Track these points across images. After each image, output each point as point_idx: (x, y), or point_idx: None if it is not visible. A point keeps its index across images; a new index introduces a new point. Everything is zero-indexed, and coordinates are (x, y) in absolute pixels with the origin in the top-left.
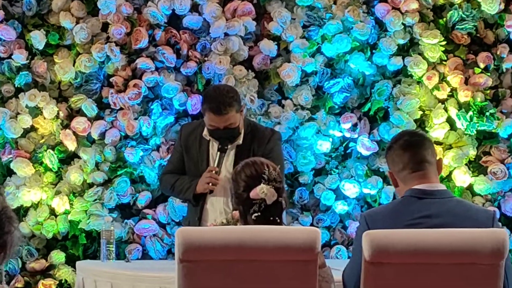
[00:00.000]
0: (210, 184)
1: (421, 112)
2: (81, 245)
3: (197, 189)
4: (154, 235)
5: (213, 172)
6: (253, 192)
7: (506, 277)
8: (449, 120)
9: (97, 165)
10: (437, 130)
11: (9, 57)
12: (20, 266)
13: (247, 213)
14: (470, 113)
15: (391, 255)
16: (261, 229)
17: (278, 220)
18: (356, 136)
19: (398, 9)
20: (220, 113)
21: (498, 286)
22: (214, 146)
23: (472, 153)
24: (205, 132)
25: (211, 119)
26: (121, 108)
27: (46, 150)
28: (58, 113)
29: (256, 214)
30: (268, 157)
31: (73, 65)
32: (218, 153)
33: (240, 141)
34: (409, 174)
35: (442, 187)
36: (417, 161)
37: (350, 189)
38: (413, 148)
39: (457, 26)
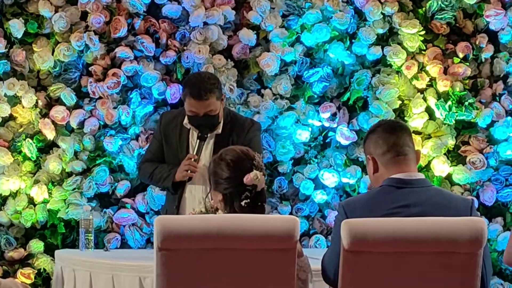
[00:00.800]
0: (189, 171)
1: (400, 102)
2: (60, 234)
3: (176, 177)
4: (133, 224)
5: (192, 159)
6: (247, 178)
7: (484, 266)
8: (428, 110)
9: (76, 154)
10: (416, 120)
11: None
12: None
13: (235, 199)
14: (449, 102)
15: (369, 244)
16: (240, 218)
17: (264, 203)
18: (335, 125)
19: None
20: (201, 98)
21: (477, 275)
22: (194, 135)
23: (451, 142)
24: (186, 120)
25: (191, 105)
26: (100, 97)
27: (24, 139)
28: (37, 102)
29: (246, 201)
30: (247, 147)
31: (52, 54)
32: (198, 141)
33: (219, 130)
34: (392, 157)
35: (421, 176)
36: (402, 144)
37: (329, 179)
38: (398, 131)
39: (436, 16)
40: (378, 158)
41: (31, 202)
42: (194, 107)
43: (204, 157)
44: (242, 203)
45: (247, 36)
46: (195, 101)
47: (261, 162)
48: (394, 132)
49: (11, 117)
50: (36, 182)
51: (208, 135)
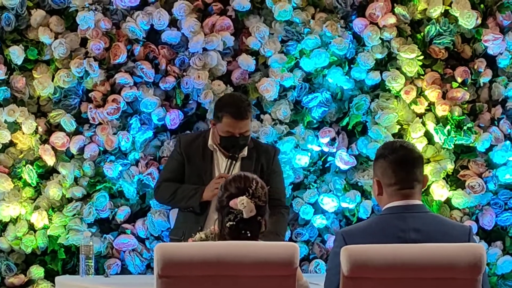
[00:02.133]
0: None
1: (399, 126)
2: (60, 260)
3: (204, 196)
4: (133, 249)
5: (224, 179)
6: (233, 202)
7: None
8: (427, 134)
9: (76, 180)
10: (415, 144)
11: None
12: None
13: (223, 221)
14: (448, 127)
15: (369, 270)
16: (239, 245)
17: (249, 235)
18: (334, 150)
19: (376, 24)
20: (242, 118)
21: None
22: (218, 157)
23: (450, 167)
24: (210, 142)
25: (228, 125)
26: (100, 123)
27: (25, 165)
28: (37, 128)
29: (230, 223)
30: (273, 176)
31: (52, 80)
32: (229, 160)
33: (245, 152)
34: (398, 190)
35: (419, 202)
36: (410, 180)
37: (329, 203)
38: (408, 166)
39: (434, 41)
40: (384, 186)
41: (31, 228)
42: (232, 127)
43: None
44: (227, 224)
45: (246, 62)
46: (235, 121)
47: (260, 193)
48: (405, 166)
49: (11, 143)
50: (36, 208)
51: (238, 155)
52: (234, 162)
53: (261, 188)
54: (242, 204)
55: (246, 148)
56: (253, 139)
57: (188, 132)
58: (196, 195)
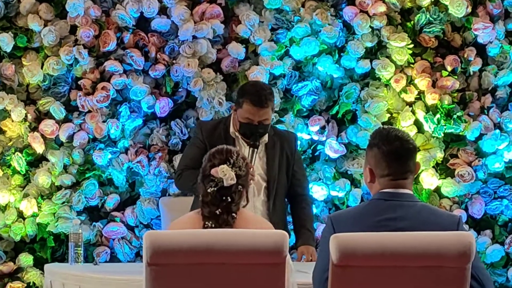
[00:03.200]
0: None
1: (388, 115)
2: (49, 248)
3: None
4: (122, 237)
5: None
6: (213, 170)
7: (479, 278)
8: (417, 123)
9: (65, 167)
10: (409, 134)
11: None
12: None
13: (205, 188)
14: (438, 115)
15: (358, 258)
16: (228, 232)
17: (229, 200)
18: (324, 138)
19: (366, 12)
20: (262, 105)
21: None
22: (240, 144)
23: (440, 155)
24: (232, 129)
25: (249, 112)
26: (89, 111)
27: (14, 153)
28: (26, 116)
29: (211, 189)
30: (298, 165)
31: (41, 68)
32: (250, 149)
33: (266, 138)
34: (390, 180)
35: (409, 191)
36: (403, 171)
37: (318, 192)
38: (402, 158)
39: (424, 29)
40: (376, 175)
41: (21, 215)
42: (252, 115)
43: (257, 168)
44: (208, 190)
45: (236, 50)
46: (255, 108)
47: (241, 163)
48: (399, 158)
49: (0, 131)
50: (26, 195)
51: (259, 143)
52: (256, 150)
53: (242, 159)
54: (222, 172)
55: (267, 134)
56: (272, 126)
57: (179, 120)
58: None
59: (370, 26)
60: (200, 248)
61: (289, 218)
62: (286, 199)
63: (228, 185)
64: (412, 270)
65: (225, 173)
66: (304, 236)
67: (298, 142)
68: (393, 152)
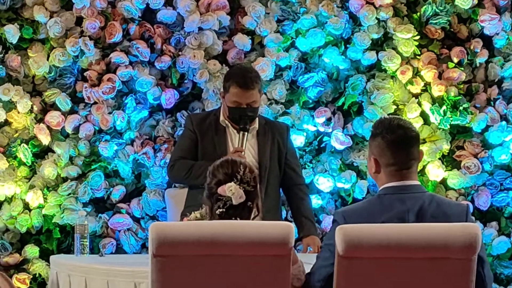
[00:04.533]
0: None
1: (394, 107)
2: (55, 239)
3: None
4: (128, 229)
5: (240, 152)
6: (221, 188)
7: (483, 271)
8: (423, 115)
9: (71, 159)
10: (410, 121)
11: None
12: None
13: (213, 208)
14: (444, 107)
15: (364, 250)
16: (234, 224)
17: (239, 219)
18: (330, 130)
19: (372, 4)
20: (248, 87)
21: (471, 280)
22: (231, 133)
23: (446, 147)
24: (222, 118)
25: (236, 94)
26: (95, 102)
27: (20, 144)
28: (32, 107)
29: (220, 210)
30: (293, 158)
31: (47, 59)
32: (241, 132)
33: (256, 125)
34: (396, 170)
35: (416, 182)
36: (408, 159)
37: (324, 183)
38: (407, 146)
39: (430, 21)
40: (381, 165)
41: (26, 207)
42: (239, 97)
43: (248, 155)
44: (217, 212)
45: (242, 41)
46: (241, 91)
47: (249, 178)
48: (403, 147)
49: (6, 122)
50: (32, 187)
51: (249, 127)
52: (246, 134)
53: (249, 172)
54: (230, 190)
55: (257, 122)
56: (263, 116)
57: (184, 111)
58: None
59: (376, 18)
60: (206, 240)
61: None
62: (281, 190)
63: (237, 203)
64: (417, 262)
65: (233, 192)
66: (307, 227)
67: (303, 136)
68: (397, 141)
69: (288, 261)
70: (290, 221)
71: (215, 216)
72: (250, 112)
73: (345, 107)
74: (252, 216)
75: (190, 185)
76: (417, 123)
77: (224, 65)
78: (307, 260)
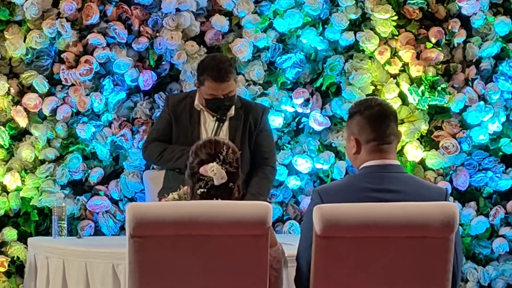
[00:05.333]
0: None
1: (373, 87)
2: (33, 222)
3: None
4: (106, 211)
5: None
6: (203, 168)
7: (455, 252)
8: (401, 95)
9: (48, 141)
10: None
11: None
12: None
13: (194, 188)
14: (422, 88)
15: (342, 229)
16: (212, 204)
17: (220, 200)
18: (308, 111)
19: None
20: (223, 80)
21: (448, 259)
22: (206, 117)
23: (424, 127)
24: (197, 102)
25: (212, 88)
26: (72, 84)
27: None
28: (9, 90)
29: (201, 190)
30: (262, 135)
31: (24, 41)
32: (216, 123)
33: (232, 112)
34: (376, 145)
35: (396, 162)
36: (388, 134)
37: (303, 164)
38: (386, 120)
39: (408, 1)
40: (362, 142)
41: (4, 190)
42: (215, 90)
43: None
44: (198, 192)
45: (220, 22)
46: (217, 84)
47: (232, 158)
48: (382, 121)
49: None
50: (9, 169)
51: (225, 117)
52: (221, 124)
53: (232, 153)
54: (212, 171)
55: (233, 107)
56: (241, 98)
57: (162, 93)
58: (183, 157)
59: None
60: (183, 220)
61: (274, 191)
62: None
63: (219, 184)
64: (396, 241)
65: (215, 172)
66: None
67: (282, 117)
68: (376, 115)
69: (266, 241)
70: (270, 202)
71: (196, 196)
72: (227, 102)
73: (323, 88)
74: (233, 197)
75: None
76: (396, 104)
77: (202, 46)
78: (287, 241)
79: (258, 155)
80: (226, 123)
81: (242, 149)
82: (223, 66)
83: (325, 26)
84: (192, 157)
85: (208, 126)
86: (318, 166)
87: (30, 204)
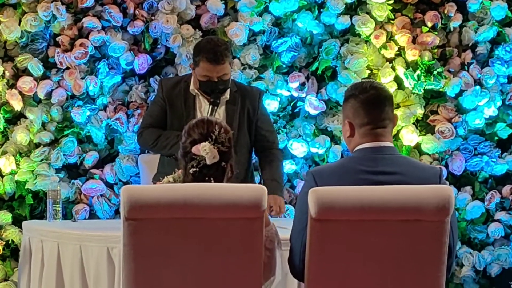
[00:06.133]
0: None
1: (368, 71)
2: (28, 205)
3: None
4: (101, 195)
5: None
6: (195, 148)
7: (452, 234)
8: (397, 79)
9: (43, 125)
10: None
11: None
12: None
13: (186, 167)
14: (418, 72)
15: (337, 212)
16: (206, 187)
17: (212, 181)
18: (304, 95)
19: None
20: (218, 62)
21: (443, 242)
22: (201, 101)
23: (420, 112)
24: (192, 87)
25: (206, 69)
26: (67, 68)
27: None
28: (3, 73)
29: (193, 169)
30: (263, 119)
31: (19, 24)
32: (210, 106)
33: (227, 96)
34: (371, 129)
35: (390, 144)
36: (382, 118)
37: (298, 149)
38: (381, 105)
39: None
40: (356, 126)
41: None
42: (209, 72)
43: None
44: (190, 171)
45: (215, 6)
46: (211, 66)
47: (224, 138)
48: (377, 105)
49: None
50: (4, 153)
51: (219, 101)
52: (215, 107)
53: (224, 133)
54: (204, 150)
55: (228, 91)
56: (236, 82)
57: (157, 76)
58: (178, 143)
59: None
60: (178, 203)
61: None
62: (255, 156)
63: (211, 163)
64: (391, 224)
65: (207, 151)
66: (271, 186)
67: (277, 101)
68: (371, 99)
69: (261, 223)
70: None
71: (189, 175)
72: (221, 85)
73: (319, 72)
74: (226, 177)
75: None
76: (391, 88)
77: (197, 30)
78: (281, 224)
79: (263, 139)
80: (223, 107)
81: (239, 133)
82: (219, 49)
83: (321, 10)
84: (185, 136)
85: (203, 110)
86: (314, 150)
87: (25, 187)
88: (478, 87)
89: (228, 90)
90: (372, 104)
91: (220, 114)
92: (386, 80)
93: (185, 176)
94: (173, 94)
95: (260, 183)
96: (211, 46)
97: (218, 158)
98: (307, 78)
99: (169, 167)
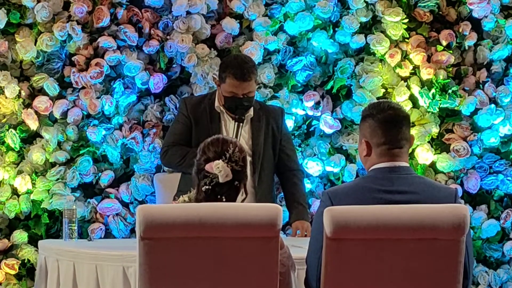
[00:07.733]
0: None
1: (383, 90)
2: (44, 224)
3: None
4: (117, 214)
5: None
6: (208, 165)
7: (467, 255)
8: (412, 98)
9: (59, 144)
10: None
11: None
12: None
13: (199, 185)
14: (433, 90)
15: (352, 231)
16: (222, 206)
17: (224, 200)
18: (319, 114)
19: None
20: (244, 79)
21: (459, 261)
22: (226, 118)
23: (435, 130)
24: (217, 103)
25: (232, 85)
26: (83, 87)
27: (8, 130)
28: (19, 92)
29: (206, 187)
30: (288, 142)
31: (35, 44)
32: (236, 123)
33: (251, 113)
34: (387, 149)
35: (405, 164)
36: (399, 138)
37: (313, 167)
38: (397, 125)
39: (419, 4)
40: (373, 146)
41: (15, 192)
42: (235, 88)
43: (243, 141)
44: (203, 189)
45: (230, 25)
46: (238, 82)
47: (238, 157)
48: (394, 125)
49: None
50: (20, 172)
51: (244, 117)
52: (241, 124)
53: (239, 152)
54: (217, 168)
55: (252, 109)
56: (257, 100)
57: (173, 96)
58: None
59: (365, 1)
60: (193, 222)
61: (281, 195)
62: (276, 175)
63: (224, 181)
64: (406, 243)
65: (220, 170)
66: (298, 211)
67: (292, 120)
68: (388, 120)
69: (277, 243)
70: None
71: (201, 192)
72: (246, 102)
73: (334, 90)
74: (240, 198)
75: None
76: (406, 107)
77: (212, 49)
78: (296, 244)
79: (287, 158)
80: (248, 125)
81: (264, 151)
82: (246, 66)
83: (336, 29)
84: (200, 154)
85: (228, 127)
86: (329, 169)
87: (41, 207)
88: (493, 105)
89: (252, 108)
90: (389, 124)
91: (245, 132)
92: (401, 98)
93: (197, 194)
94: (198, 112)
95: (279, 202)
96: (238, 62)
97: (231, 176)
98: (322, 97)
99: (189, 186)
